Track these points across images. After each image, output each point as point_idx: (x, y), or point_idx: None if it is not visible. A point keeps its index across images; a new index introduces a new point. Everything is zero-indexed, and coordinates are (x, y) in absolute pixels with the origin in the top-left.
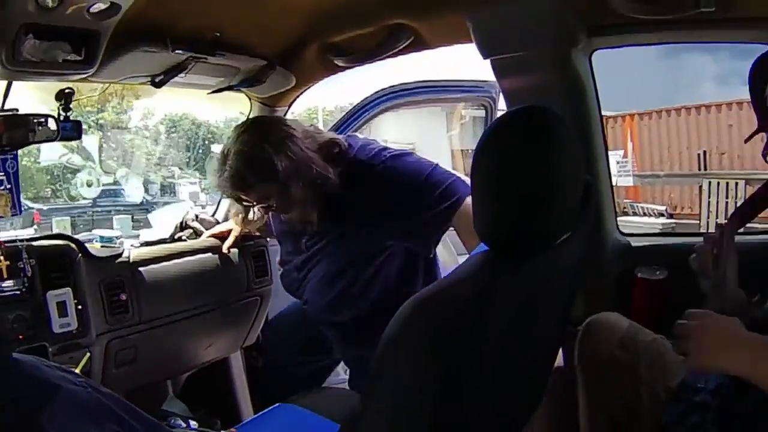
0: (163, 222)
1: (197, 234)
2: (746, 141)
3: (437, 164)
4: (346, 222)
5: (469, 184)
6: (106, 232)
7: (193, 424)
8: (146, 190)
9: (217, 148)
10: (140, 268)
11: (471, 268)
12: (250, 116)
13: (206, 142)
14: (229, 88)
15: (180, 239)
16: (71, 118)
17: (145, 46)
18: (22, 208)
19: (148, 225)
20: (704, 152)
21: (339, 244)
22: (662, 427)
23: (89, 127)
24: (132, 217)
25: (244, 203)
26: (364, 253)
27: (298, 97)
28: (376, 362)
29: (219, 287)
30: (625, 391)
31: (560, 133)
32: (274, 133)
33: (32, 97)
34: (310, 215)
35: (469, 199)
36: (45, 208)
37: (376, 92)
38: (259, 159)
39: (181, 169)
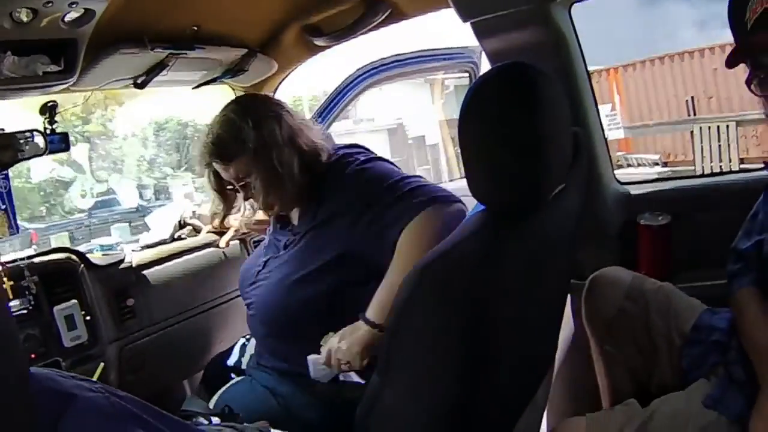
0: (160, 223)
1: (197, 231)
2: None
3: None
4: (316, 224)
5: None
6: (105, 241)
7: (215, 420)
8: (140, 195)
9: None
10: (144, 272)
11: (470, 228)
12: None
13: (195, 140)
14: (213, 80)
15: (180, 238)
16: (57, 130)
17: (123, 49)
18: (19, 229)
19: (146, 229)
20: (692, 98)
21: (302, 248)
22: (683, 371)
23: (76, 139)
24: (129, 224)
25: (226, 188)
26: (319, 260)
27: (281, 82)
28: (389, 332)
29: (223, 281)
30: (639, 342)
31: (543, 86)
32: (262, 109)
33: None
34: (288, 208)
35: (429, 212)
36: (42, 226)
37: (357, 70)
38: (240, 128)
39: (173, 169)
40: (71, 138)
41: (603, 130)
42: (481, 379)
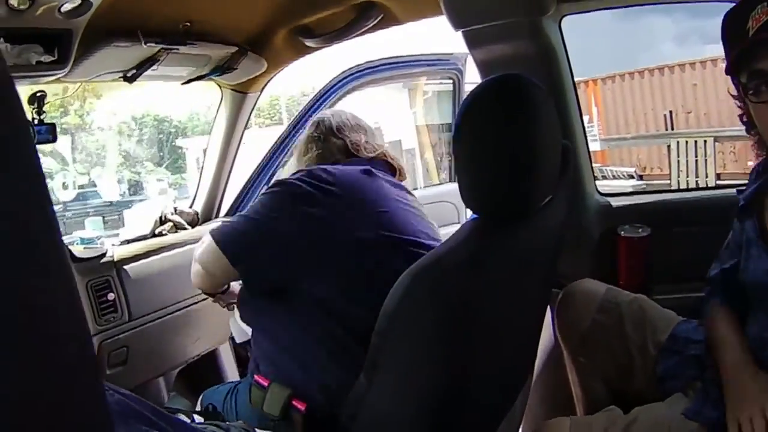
0: (138, 218)
1: (177, 227)
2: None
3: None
4: None
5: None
6: (86, 233)
7: (198, 419)
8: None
9: (182, 143)
10: (125, 267)
11: (462, 236)
12: (222, 104)
13: (170, 137)
14: (202, 77)
15: (161, 234)
16: (45, 121)
17: (117, 42)
18: None
19: (119, 225)
20: (670, 112)
21: None
22: (658, 379)
23: (72, 136)
24: (103, 218)
25: None
26: None
27: (269, 81)
28: (378, 334)
29: None
30: (614, 353)
31: (537, 99)
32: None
33: None
34: None
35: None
36: None
37: (342, 73)
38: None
39: (154, 164)
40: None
41: (587, 141)
42: (464, 384)
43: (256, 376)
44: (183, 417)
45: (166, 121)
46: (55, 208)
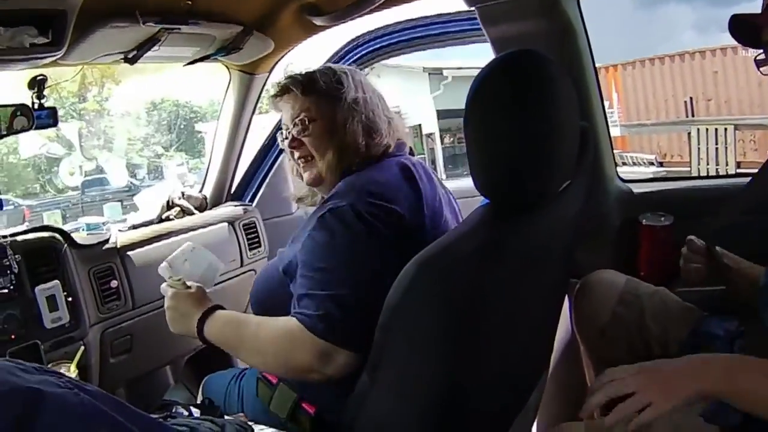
0: (149, 203)
1: (185, 212)
2: None
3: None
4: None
5: None
6: (92, 219)
7: (195, 411)
8: (134, 175)
9: (201, 127)
10: (128, 253)
11: (473, 223)
12: (230, 86)
13: (190, 121)
14: (206, 58)
15: (168, 219)
16: (46, 105)
17: (114, 22)
18: (13, 206)
19: (136, 209)
20: (691, 99)
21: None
22: None
23: (71, 116)
24: (121, 203)
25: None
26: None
27: (278, 61)
28: (381, 329)
29: None
30: (634, 348)
31: (552, 76)
32: (361, 77)
33: None
34: (318, 180)
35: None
36: (35, 203)
37: (348, 42)
38: (336, 78)
39: (165, 149)
40: (65, 114)
41: (608, 125)
42: (472, 383)
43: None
44: (181, 410)
45: (186, 106)
46: (72, 194)
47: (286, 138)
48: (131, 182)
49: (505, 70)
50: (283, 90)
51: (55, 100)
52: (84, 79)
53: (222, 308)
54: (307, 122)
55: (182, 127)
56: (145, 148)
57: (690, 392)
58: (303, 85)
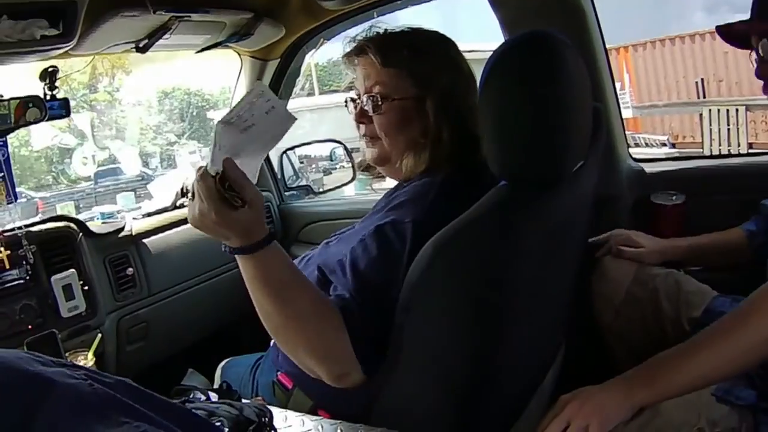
0: (163, 191)
1: None
2: None
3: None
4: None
5: None
6: (106, 208)
7: (213, 396)
8: (146, 164)
9: (213, 115)
10: (144, 240)
11: (489, 204)
12: (242, 73)
13: (202, 109)
14: (217, 45)
15: (182, 206)
16: (58, 96)
17: (124, 11)
18: (26, 198)
19: (150, 198)
20: (702, 80)
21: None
22: None
23: (82, 107)
24: (135, 192)
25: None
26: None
27: (289, 48)
28: (401, 310)
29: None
30: (648, 326)
31: (566, 56)
32: (457, 55)
33: None
34: (389, 168)
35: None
36: (48, 195)
37: None
38: (426, 46)
39: (178, 138)
40: (76, 106)
41: (619, 105)
42: (493, 362)
43: (279, 375)
44: (199, 395)
45: (197, 94)
46: (86, 185)
47: (355, 108)
48: (144, 172)
49: (519, 51)
50: (359, 51)
51: (66, 91)
52: (94, 70)
53: None
54: (379, 100)
55: (194, 114)
56: (158, 137)
57: (622, 410)
58: (382, 53)
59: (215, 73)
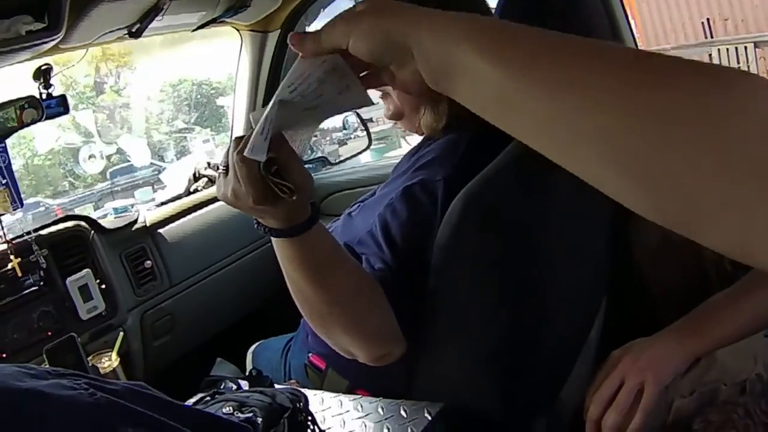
0: (175, 179)
1: (212, 182)
2: None
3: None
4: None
5: None
6: (119, 203)
7: (244, 384)
8: (161, 158)
9: (223, 101)
10: (160, 231)
11: (517, 150)
12: (242, 49)
13: (211, 98)
14: (213, 21)
15: (196, 191)
16: (54, 94)
17: None
18: (44, 207)
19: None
20: (708, 20)
21: (371, 204)
22: None
23: (92, 107)
24: (152, 187)
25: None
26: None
27: (289, 16)
28: (434, 273)
29: (243, 232)
30: (687, 271)
31: None
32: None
33: None
34: (407, 118)
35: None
36: (66, 201)
37: None
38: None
39: (190, 128)
40: (84, 107)
41: (636, 45)
42: (535, 318)
43: (311, 356)
44: (230, 384)
45: (205, 83)
46: (103, 184)
47: None
48: (158, 165)
49: None
50: None
51: (72, 96)
52: (98, 71)
53: None
54: None
55: (204, 103)
56: (170, 129)
57: (677, 362)
58: None
59: (220, 61)
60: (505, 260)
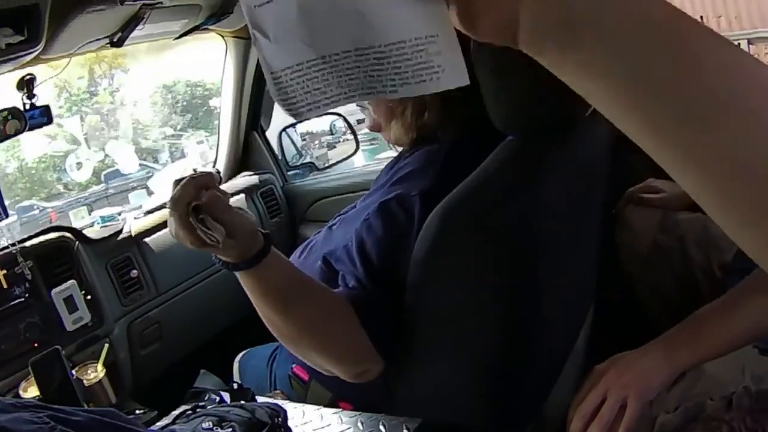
0: (164, 185)
1: None
2: None
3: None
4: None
5: None
6: (106, 211)
7: (226, 396)
8: (156, 160)
9: (216, 103)
10: (145, 240)
11: (497, 162)
12: (227, 55)
13: (205, 99)
14: (196, 28)
15: None
16: (37, 104)
17: (91, 7)
18: (38, 210)
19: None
20: (701, 18)
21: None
22: None
23: (85, 111)
24: (147, 189)
25: None
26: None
27: None
28: (411, 291)
29: None
30: (677, 276)
31: None
32: None
33: None
34: (385, 131)
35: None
36: (61, 203)
37: None
38: None
39: (183, 129)
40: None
41: None
42: (520, 328)
43: (295, 368)
44: (213, 396)
45: (198, 85)
46: (97, 187)
47: None
48: (152, 167)
49: None
50: None
51: (66, 99)
52: (92, 73)
53: None
54: None
55: (198, 104)
56: (163, 131)
57: (663, 376)
58: None
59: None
60: (488, 274)
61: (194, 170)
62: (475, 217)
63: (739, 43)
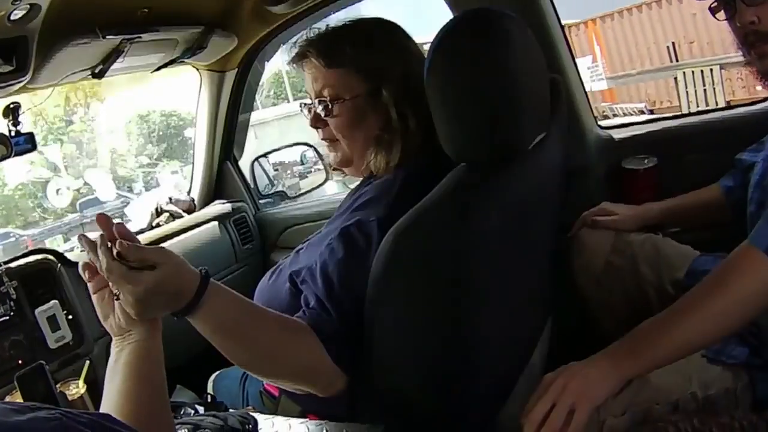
0: (140, 213)
1: (174, 217)
2: None
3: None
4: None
5: None
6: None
7: (201, 409)
8: (130, 189)
9: (190, 133)
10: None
11: (448, 188)
12: (202, 87)
13: (180, 129)
14: (173, 62)
15: (158, 225)
16: (23, 131)
17: (75, 40)
18: (14, 238)
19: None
20: (673, 44)
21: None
22: None
23: (60, 139)
24: (122, 218)
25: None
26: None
27: (246, 56)
28: (370, 303)
29: (207, 263)
30: (629, 294)
31: (512, 31)
32: (405, 40)
33: None
34: (352, 169)
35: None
36: (36, 232)
37: None
38: (369, 38)
39: (158, 159)
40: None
41: (579, 75)
42: (471, 342)
43: (265, 384)
44: (189, 410)
45: (173, 114)
46: (72, 216)
47: (309, 113)
48: (126, 196)
49: (464, 28)
50: (301, 56)
51: (41, 127)
52: (69, 101)
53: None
54: (330, 103)
55: (172, 134)
56: (138, 161)
57: (609, 384)
58: (324, 55)
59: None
60: (438, 290)
61: (170, 198)
62: (423, 239)
63: (711, 69)
